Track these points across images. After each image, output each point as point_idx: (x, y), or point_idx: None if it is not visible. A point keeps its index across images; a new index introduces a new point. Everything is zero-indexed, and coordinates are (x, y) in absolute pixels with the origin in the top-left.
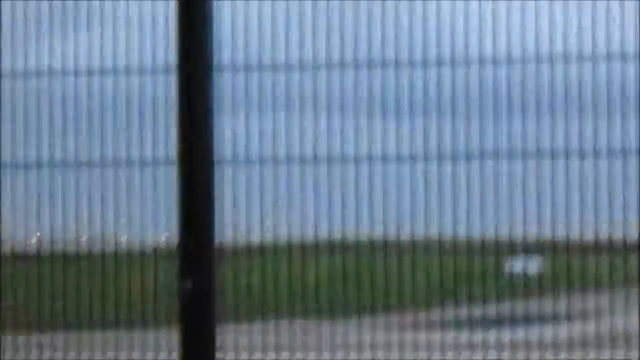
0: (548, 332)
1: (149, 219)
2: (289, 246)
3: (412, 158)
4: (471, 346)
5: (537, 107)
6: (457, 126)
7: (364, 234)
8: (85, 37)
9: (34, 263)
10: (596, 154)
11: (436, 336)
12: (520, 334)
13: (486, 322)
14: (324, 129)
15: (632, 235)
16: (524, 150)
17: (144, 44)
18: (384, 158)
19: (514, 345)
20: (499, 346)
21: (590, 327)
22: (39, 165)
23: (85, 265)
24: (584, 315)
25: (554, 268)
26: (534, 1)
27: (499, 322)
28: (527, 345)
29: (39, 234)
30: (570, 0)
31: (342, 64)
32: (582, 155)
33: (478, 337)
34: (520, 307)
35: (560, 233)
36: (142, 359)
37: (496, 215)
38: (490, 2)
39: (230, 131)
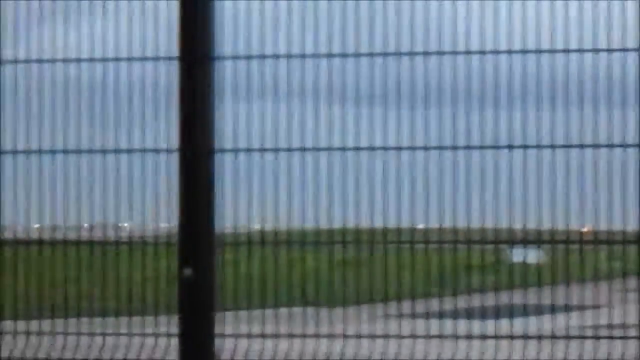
0: (547, 323)
1: (150, 207)
2: (289, 235)
3: (412, 148)
4: (469, 336)
5: (537, 98)
6: (457, 116)
7: (364, 224)
8: (87, 25)
9: (35, 249)
10: (596, 145)
11: (434, 326)
12: (518, 324)
13: (485, 313)
14: (325, 118)
15: (631, 227)
16: (524, 141)
17: (146, 33)
18: (384, 148)
19: (512, 336)
20: (497, 337)
21: (588, 318)
22: (40, 152)
23: (86, 252)
24: (582, 307)
25: (553, 259)
26: None
27: (497, 312)
28: (526, 336)
29: (40, 220)
30: None
31: (344, 55)
32: (581, 146)
33: (476, 327)
34: (519, 297)
35: (560, 224)
36: (142, 344)
37: (496, 206)
38: None
39: (231, 120)
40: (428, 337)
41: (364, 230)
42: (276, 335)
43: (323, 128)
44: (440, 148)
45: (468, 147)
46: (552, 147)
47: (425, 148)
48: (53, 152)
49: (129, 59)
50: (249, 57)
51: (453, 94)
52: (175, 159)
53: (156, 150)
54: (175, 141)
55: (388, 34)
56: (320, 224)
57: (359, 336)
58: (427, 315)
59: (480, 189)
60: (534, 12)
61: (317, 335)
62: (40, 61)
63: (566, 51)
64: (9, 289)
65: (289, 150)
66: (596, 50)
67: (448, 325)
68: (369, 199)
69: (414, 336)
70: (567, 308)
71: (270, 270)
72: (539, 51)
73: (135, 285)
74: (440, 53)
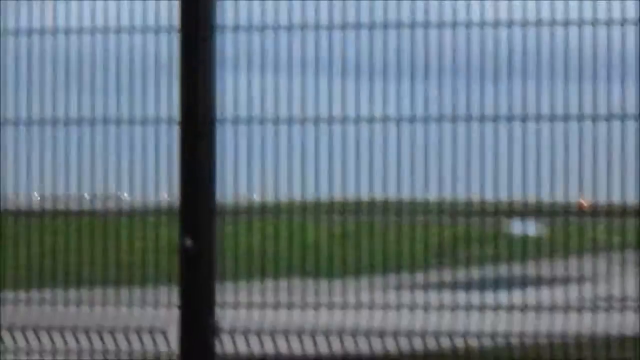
0: (545, 295)
1: (151, 178)
2: (290, 206)
3: (412, 120)
4: (468, 307)
5: (537, 71)
6: (457, 89)
7: (364, 195)
8: None
9: (36, 220)
10: (595, 117)
11: (433, 297)
12: (517, 296)
13: (484, 285)
14: (325, 90)
15: (631, 199)
16: (523, 113)
17: (147, 3)
18: (385, 119)
19: (511, 307)
20: (496, 308)
21: (587, 290)
22: (41, 122)
23: (87, 222)
24: (581, 279)
25: (552, 232)
26: None
27: (496, 284)
28: (524, 307)
29: (41, 190)
30: None
31: (344, 26)
32: (581, 118)
33: (475, 298)
34: (518, 269)
35: (559, 197)
36: (142, 314)
37: (495, 178)
38: None
39: (232, 91)
40: (427, 308)
41: (364, 201)
42: (276, 306)
43: (323, 99)
44: (440, 120)
45: (468, 119)
46: (552, 119)
47: (426, 120)
48: (55, 122)
49: (130, 30)
50: (249, 28)
51: (453, 66)
52: (176, 129)
53: (157, 121)
54: (176, 112)
55: (388, 6)
56: (321, 195)
57: (358, 307)
58: (426, 287)
59: (480, 161)
60: None
61: (317, 306)
62: (42, 32)
63: (566, 24)
64: (10, 258)
65: (290, 121)
66: (596, 23)
67: (447, 296)
68: (369, 170)
69: (413, 307)
70: (566, 280)
71: (270, 242)
72: (539, 24)
73: (136, 255)
74: (441, 25)
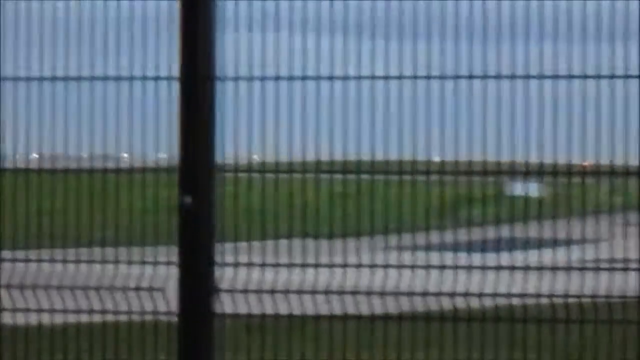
0: (547, 256)
1: (151, 136)
2: (290, 166)
3: (414, 78)
4: (469, 268)
5: (540, 31)
6: (460, 48)
7: (365, 155)
8: None
9: (35, 179)
10: (598, 77)
11: (435, 258)
12: (519, 257)
13: (486, 246)
14: (327, 48)
15: (633, 160)
16: (525, 72)
17: None
18: (387, 78)
19: (512, 268)
20: (498, 268)
21: (589, 251)
22: (41, 80)
23: (86, 182)
24: (583, 240)
25: (554, 193)
26: None
27: (498, 245)
28: (527, 268)
29: (40, 149)
30: None
31: None
32: (584, 77)
33: (477, 259)
34: (520, 231)
35: (562, 158)
36: (141, 273)
37: (498, 139)
38: None
39: (232, 49)
40: (428, 268)
41: (365, 161)
42: (276, 265)
43: (324, 58)
44: (443, 79)
45: (470, 78)
46: (555, 77)
47: (428, 78)
48: (54, 79)
49: None
50: None
51: (442, 25)
52: (175, 87)
53: (157, 78)
54: (176, 70)
55: None
56: (322, 154)
57: (359, 267)
58: (427, 248)
59: (482, 120)
60: None
61: (316, 266)
62: None
63: None
64: (9, 218)
65: (290, 79)
66: None
67: (448, 257)
68: (370, 129)
69: (414, 267)
70: (568, 241)
71: (270, 202)
72: None
73: (135, 214)
74: None
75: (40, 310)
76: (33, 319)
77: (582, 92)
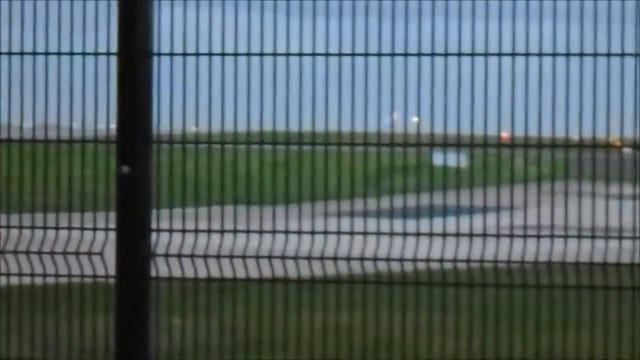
0: (465, 223)
1: (90, 108)
2: (223, 137)
3: (352, 54)
4: (392, 234)
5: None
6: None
7: (294, 127)
8: None
9: None
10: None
11: (359, 225)
12: (438, 224)
13: (407, 213)
14: (261, 26)
15: (546, 133)
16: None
17: None
18: (313, 55)
19: (431, 234)
20: (418, 234)
21: (505, 219)
22: None
23: (29, 150)
24: (498, 208)
25: (472, 163)
26: None
27: (418, 212)
28: (445, 234)
29: None
30: None
31: None
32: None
33: (397, 226)
34: (439, 199)
35: (480, 129)
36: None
37: (418, 110)
38: None
39: (168, 25)
40: (352, 234)
41: (294, 133)
42: (209, 231)
43: (258, 35)
44: (379, 55)
45: (406, 54)
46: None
47: (366, 54)
48: None
49: None
50: None
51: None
52: (114, 61)
53: (96, 54)
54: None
55: None
56: (252, 126)
57: (287, 232)
58: (352, 215)
59: (403, 93)
60: None
61: (247, 231)
62: None
63: None
64: None
65: (223, 54)
66: None
67: (372, 224)
68: (298, 102)
69: (339, 233)
70: (485, 209)
71: (204, 172)
72: None
73: (76, 182)
74: None
75: None
76: None
77: (498, 68)
